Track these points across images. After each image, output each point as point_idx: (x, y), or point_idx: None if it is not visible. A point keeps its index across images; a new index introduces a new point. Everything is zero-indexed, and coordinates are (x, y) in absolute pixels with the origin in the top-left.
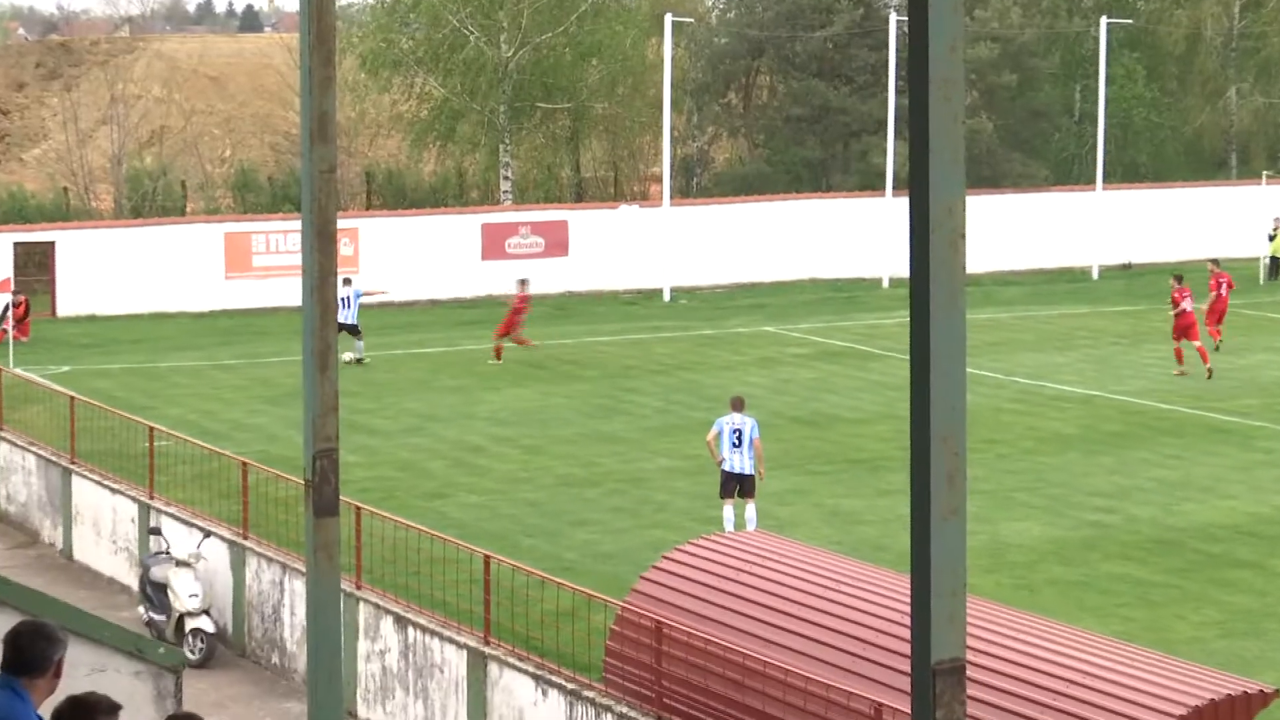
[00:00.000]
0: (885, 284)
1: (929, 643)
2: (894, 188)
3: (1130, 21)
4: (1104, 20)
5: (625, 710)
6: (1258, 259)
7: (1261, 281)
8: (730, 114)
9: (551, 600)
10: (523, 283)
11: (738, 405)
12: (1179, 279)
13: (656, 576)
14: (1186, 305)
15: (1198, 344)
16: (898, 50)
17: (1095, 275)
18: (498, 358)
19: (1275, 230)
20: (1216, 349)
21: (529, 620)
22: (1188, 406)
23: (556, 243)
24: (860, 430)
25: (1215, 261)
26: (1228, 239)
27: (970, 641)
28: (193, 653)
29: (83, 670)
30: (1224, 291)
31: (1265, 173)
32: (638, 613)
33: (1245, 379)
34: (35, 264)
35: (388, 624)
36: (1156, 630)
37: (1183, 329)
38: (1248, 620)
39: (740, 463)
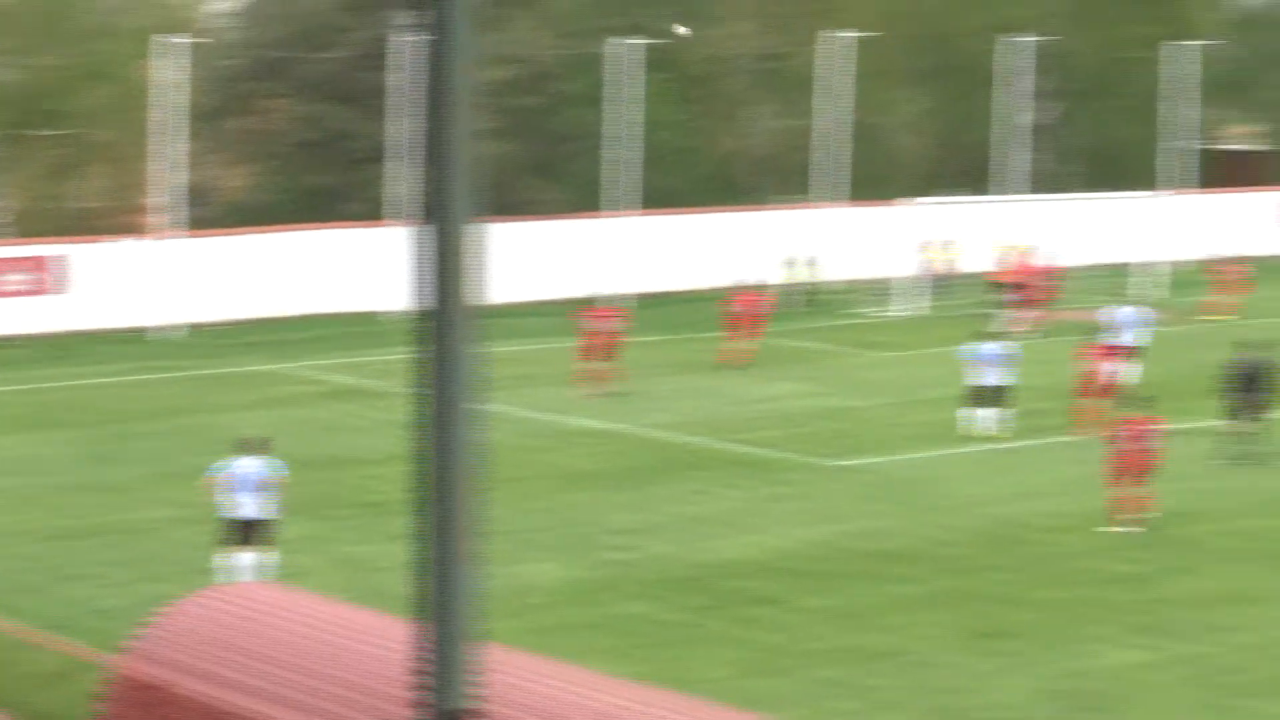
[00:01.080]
0: (399, 317)
1: (440, 692)
2: (408, 216)
3: (658, 42)
4: (630, 42)
5: None
6: (785, 285)
7: (788, 309)
8: (240, 139)
9: (40, 661)
10: None
11: (249, 447)
12: (605, 301)
13: (153, 633)
14: (604, 326)
15: (602, 366)
16: (410, 72)
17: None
18: None
19: (801, 258)
20: (746, 367)
21: (14, 684)
22: (712, 439)
23: (54, 279)
24: (374, 472)
25: (753, 286)
26: (755, 264)
27: (487, 691)
28: None
29: None
30: (759, 309)
31: (786, 197)
32: (130, 673)
33: (769, 410)
34: None
35: None
36: (676, 671)
37: (593, 350)
38: (770, 658)
39: (251, 508)
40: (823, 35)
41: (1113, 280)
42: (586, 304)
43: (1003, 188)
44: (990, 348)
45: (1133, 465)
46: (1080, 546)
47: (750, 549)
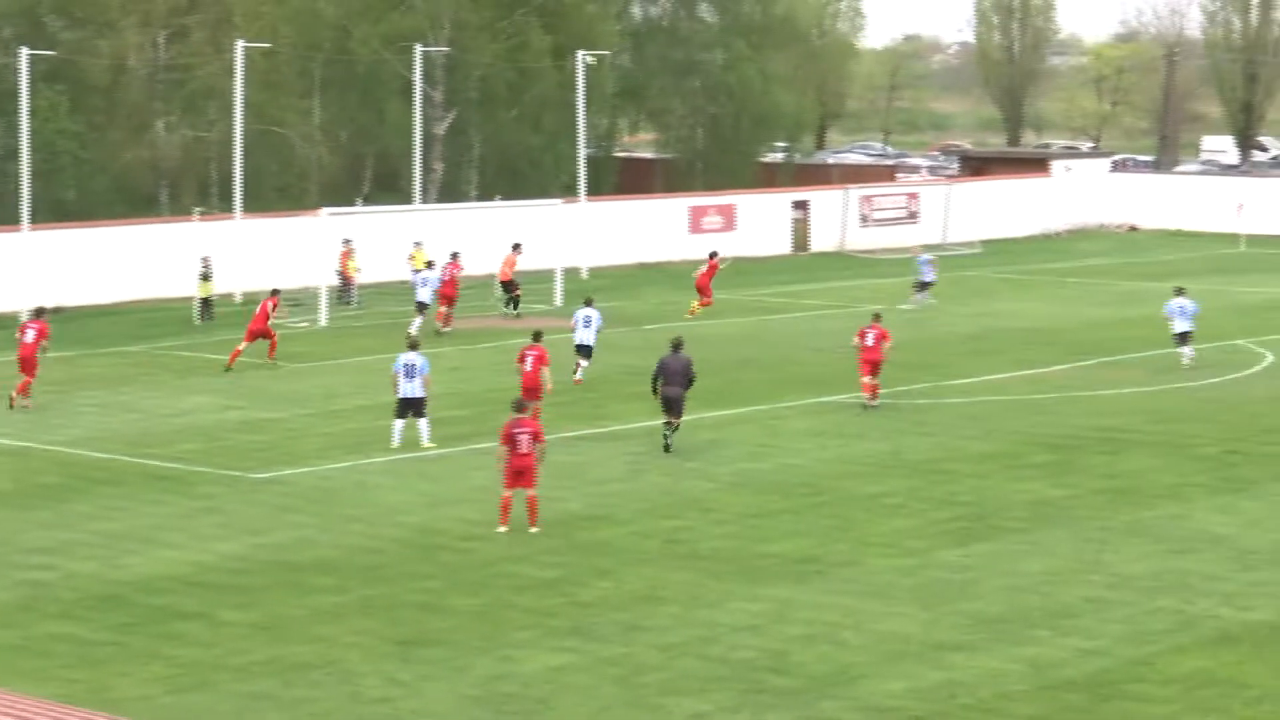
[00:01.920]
0: None
1: None
2: None
3: (52, 53)
4: (24, 51)
5: None
6: (191, 299)
7: (197, 322)
8: None
9: None
10: None
11: None
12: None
13: None
14: (21, 340)
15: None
16: None
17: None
18: None
19: (206, 269)
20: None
21: None
22: (127, 454)
23: None
24: None
25: (276, 292)
26: (162, 277)
27: None
28: None
29: None
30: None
31: (196, 209)
32: None
33: (187, 424)
34: None
35: None
36: (100, 691)
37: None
38: (196, 673)
39: None
40: (233, 45)
41: (533, 286)
42: None
43: (410, 196)
44: (409, 357)
45: (518, 468)
46: (500, 552)
47: (171, 564)
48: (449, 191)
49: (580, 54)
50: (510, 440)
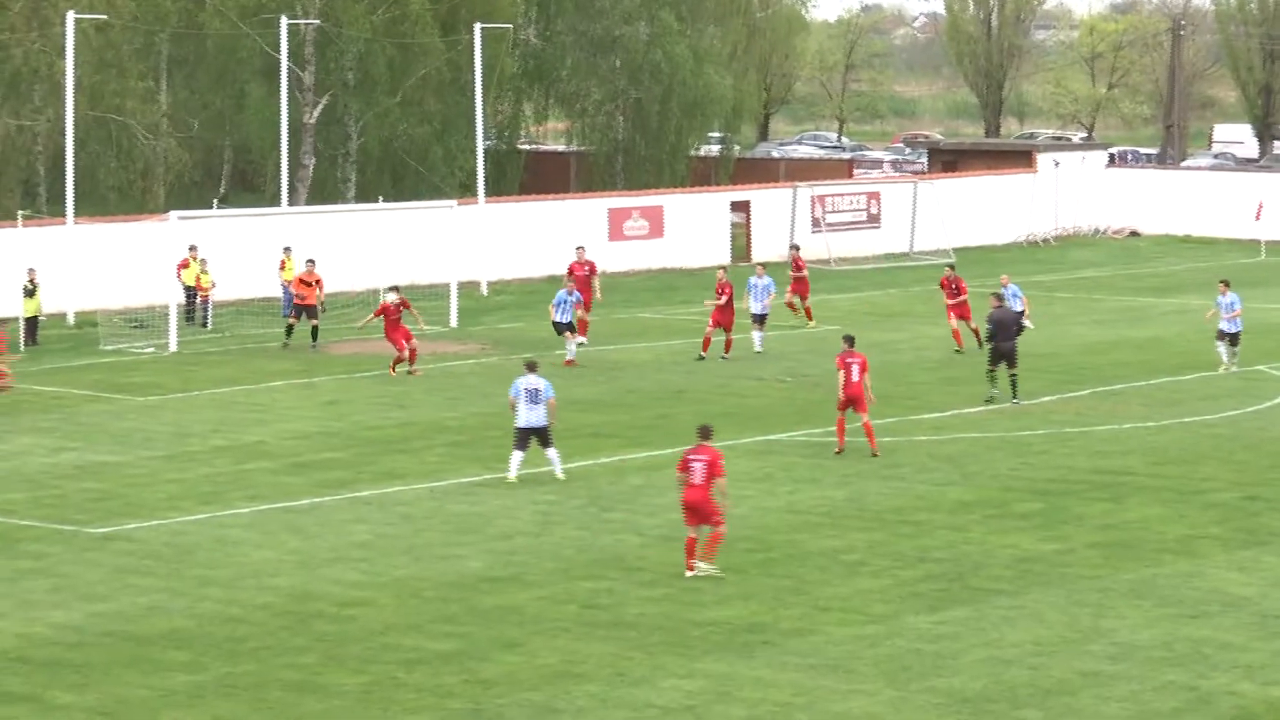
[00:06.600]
0: None
1: None
2: None
3: None
4: None
5: None
6: (14, 319)
7: (20, 346)
8: None
9: None
10: None
11: None
12: None
13: None
14: None
15: None
16: None
17: None
18: None
19: (31, 284)
20: None
21: None
22: None
23: None
24: None
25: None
26: None
27: None
28: None
29: None
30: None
31: (21, 212)
32: None
33: (7, 470)
34: None
35: None
36: None
37: None
38: None
39: None
40: (61, 18)
41: (424, 304)
42: None
43: (276, 197)
44: (530, 381)
45: (688, 502)
46: (387, 620)
47: None
48: (322, 192)
49: (477, 27)
50: (684, 468)
